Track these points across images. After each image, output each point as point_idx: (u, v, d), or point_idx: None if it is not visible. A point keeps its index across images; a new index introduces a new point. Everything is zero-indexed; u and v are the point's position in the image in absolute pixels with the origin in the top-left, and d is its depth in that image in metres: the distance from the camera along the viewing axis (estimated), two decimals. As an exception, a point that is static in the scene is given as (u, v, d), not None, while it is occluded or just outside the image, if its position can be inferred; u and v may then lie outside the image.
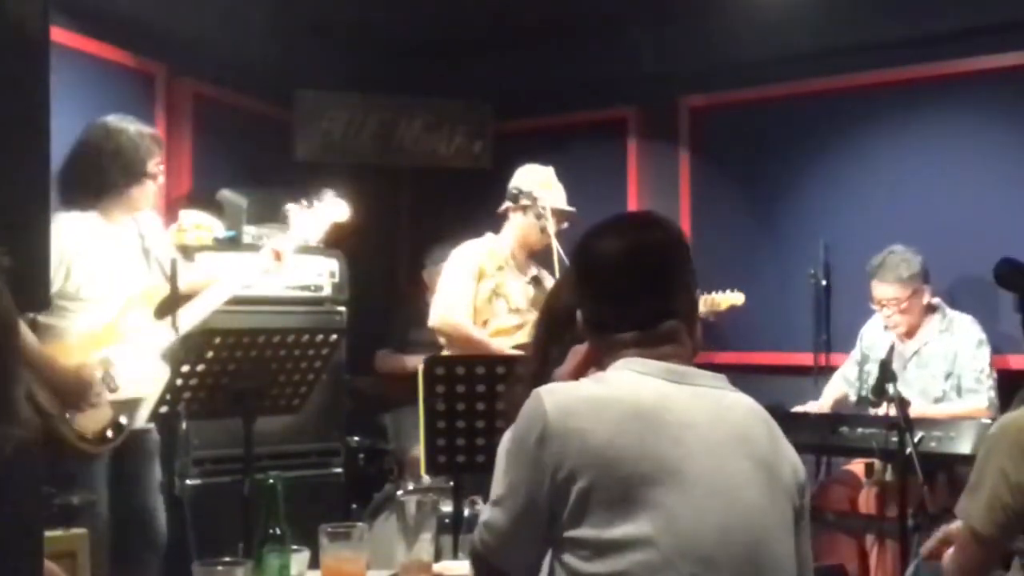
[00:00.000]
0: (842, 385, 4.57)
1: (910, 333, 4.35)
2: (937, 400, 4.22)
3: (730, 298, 4.93)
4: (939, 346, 4.28)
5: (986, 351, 4.25)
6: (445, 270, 4.47)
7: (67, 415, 3.31)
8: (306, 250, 4.48)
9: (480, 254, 4.39)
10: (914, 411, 3.97)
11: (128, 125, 3.62)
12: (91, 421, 3.37)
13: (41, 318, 3.36)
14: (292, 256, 3.85)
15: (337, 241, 4.72)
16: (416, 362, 4.83)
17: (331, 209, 3.89)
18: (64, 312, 3.42)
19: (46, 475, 1.63)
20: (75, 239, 3.47)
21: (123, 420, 3.43)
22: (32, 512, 1.43)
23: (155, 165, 3.64)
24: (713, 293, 4.92)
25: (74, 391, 3.29)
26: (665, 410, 1.67)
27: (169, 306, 3.23)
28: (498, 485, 1.71)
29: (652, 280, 1.79)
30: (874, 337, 4.46)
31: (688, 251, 1.84)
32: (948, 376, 4.24)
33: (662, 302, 1.78)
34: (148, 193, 3.65)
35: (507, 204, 4.45)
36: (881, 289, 4.29)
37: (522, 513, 1.65)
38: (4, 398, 1.42)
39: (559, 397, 1.67)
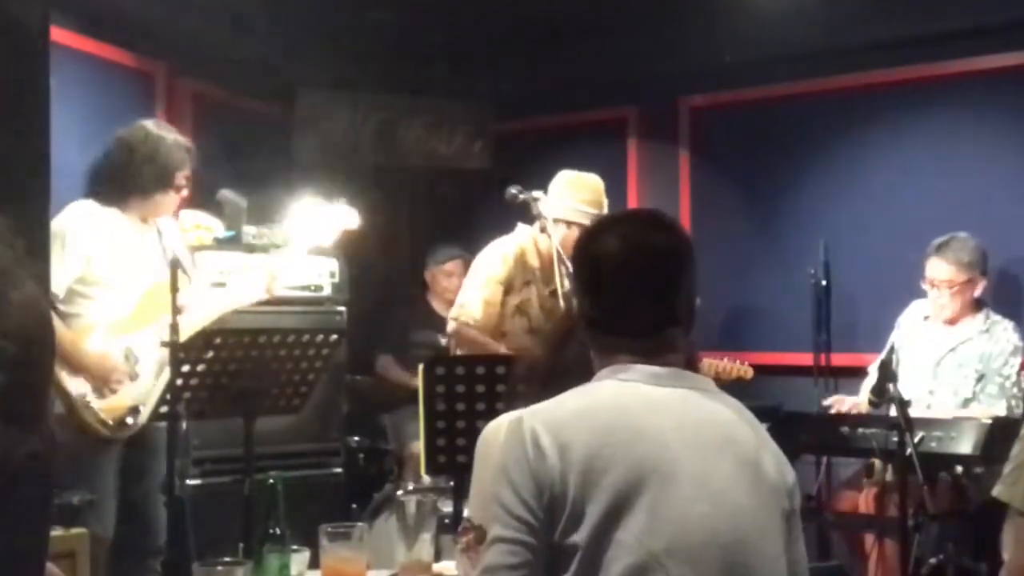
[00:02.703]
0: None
1: (953, 321, 4.29)
2: (967, 401, 4.16)
3: (739, 370, 4.86)
4: (977, 347, 4.23)
5: (1018, 360, 4.19)
6: (474, 270, 4.31)
7: (87, 401, 3.40)
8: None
9: (512, 264, 4.22)
10: (927, 413, 3.97)
11: (167, 133, 3.74)
12: (112, 407, 3.45)
13: (63, 307, 3.46)
14: (289, 274, 3.84)
15: (337, 241, 4.73)
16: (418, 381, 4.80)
17: (342, 216, 3.86)
18: (86, 300, 3.51)
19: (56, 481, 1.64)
20: (96, 227, 3.56)
21: (141, 408, 3.47)
22: (38, 520, 1.44)
23: (184, 177, 3.74)
24: (724, 359, 4.85)
25: (98, 375, 3.40)
26: (651, 414, 1.67)
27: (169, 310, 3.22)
28: (491, 523, 1.65)
29: (655, 287, 1.76)
30: (910, 325, 4.40)
31: (692, 255, 1.80)
32: (980, 378, 4.19)
33: (664, 310, 1.76)
34: (171, 202, 3.75)
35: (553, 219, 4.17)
36: (939, 268, 4.23)
37: (524, 542, 1.61)
38: (27, 408, 1.43)
39: (544, 416, 1.66)
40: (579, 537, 1.59)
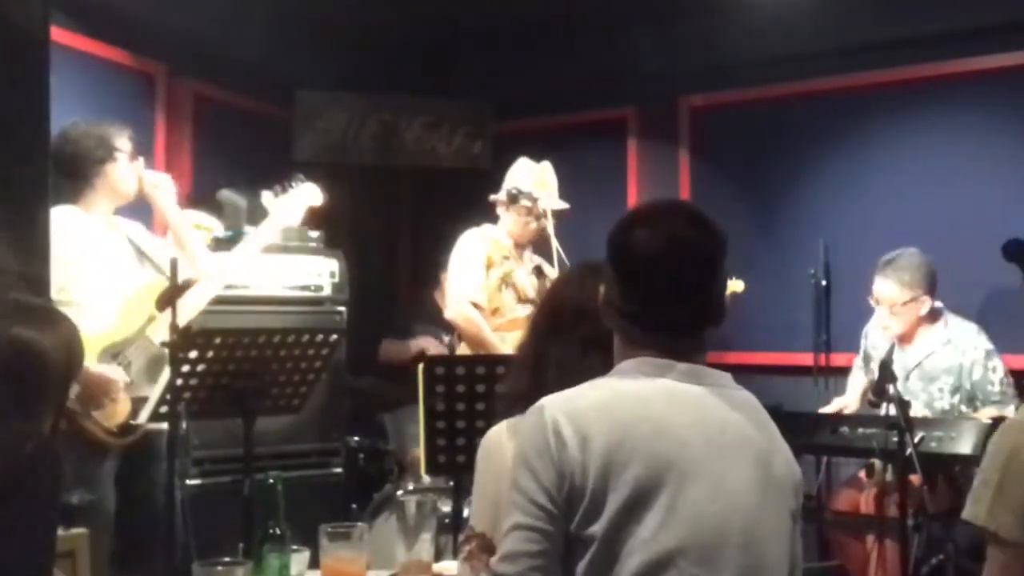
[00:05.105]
0: (861, 376, 4.52)
1: (905, 339, 4.25)
2: (945, 413, 4.11)
3: (730, 285, 4.84)
4: (944, 359, 4.17)
5: (998, 360, 4.15)
6: (453, 260, 4.42)
7: (89, 410, 3.37)
8: (306, 250, 4.49)
9: (486, 242, 4.38)
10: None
11: (81, 125, 3.64)
12: (113, 414, 3.43)
13: None
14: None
15: (337, 241, 4.73)
16: (418, 345, 4.87)
17: (305, 193, 3.90)
18: (68, 309, 3.35)
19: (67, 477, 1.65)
20: (69, 232, 3.48)
21: (140, 418, 3.46)
22: (47, 510, 1.46)
23: (124, 142, 3.67)
24: None
25: (99, 392, 3.36)
26: (672, 411, 1.67)
27: (168, 300, 3.22)
28: (510, 511, 1.65)
29: (690, 284, 1.74)
30: (877, 336, 4.40)
31: (725, 253, 1.76)
32: (956, 390, 4.14)
33: (697, 307, 1.75)
34: (124, 172, 3.66)
35: (502, 200, 4.44)
36: (882, 286, 4.21)
37: (544, 530, 1.61)
38: (48, 407, 1.46)
39: (565, 406, 1.66)
40: (596, 528, 1.59)
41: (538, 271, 4.49)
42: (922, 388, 4.19)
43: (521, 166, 4.48)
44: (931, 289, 4.20)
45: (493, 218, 4.51)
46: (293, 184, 3.87)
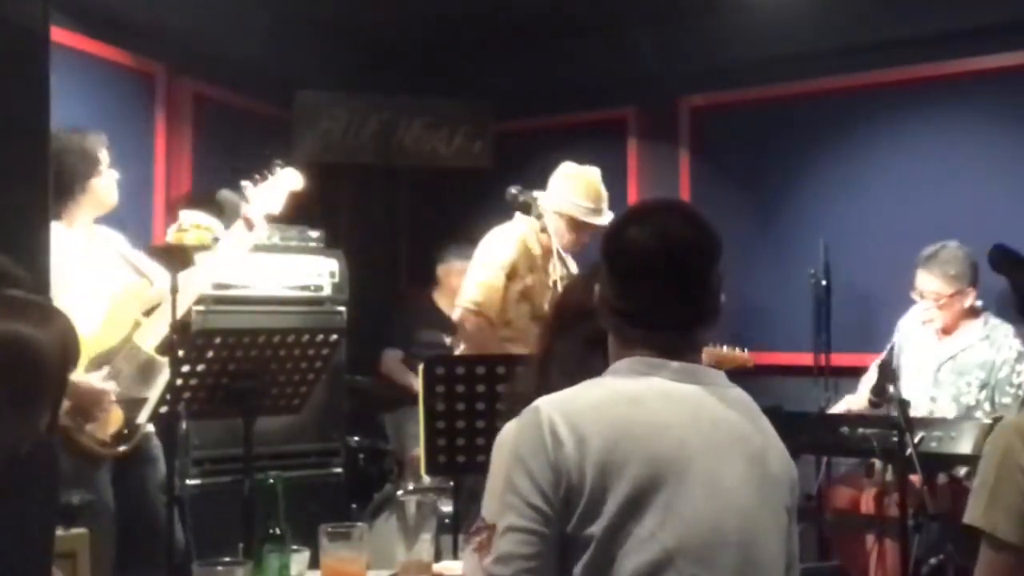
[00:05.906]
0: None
1: (946, 331, 4.23)
2: (970, 408, 4.10)
3: (739, 358, 4.76)
4: (978, 354, 4.15)
5: None
6: (476, 257, 4.27)
7: (80, 424, 3.33)
8: (306, 250, 4.50)
9: (516, 251, 4.19)
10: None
11: (62, 135, 3.57)
12: (106, 424, 3.39)
13: None
14: (263, 224, 3.83)
15: (337, 241, 4.74)
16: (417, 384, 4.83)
17: (285, 180, 3.87)
18: None
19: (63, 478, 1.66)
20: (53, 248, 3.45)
21: (139, 420, 3.44)
22: (46, 509, 1.46)
23: (105, 152, 3.64)
24: (723, 348, 4.76)
25: (89, 405, 3.32)
26: (667, 411, 1.67)
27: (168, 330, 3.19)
28: (504, 512, 1.64)
29: (686, 283, 1.74)
30: (910, 330, 4.36)
31: (721, 251, 1.76)
32: (984, 386, 4.12)
33: (692, 306, 1.75)
34: (108, 183, 3.64)
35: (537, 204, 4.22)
36: (925, 280, 4.18)
37: (539, 532, 1.61)
38: (47, 404, 1.46)
39: (561, 406, 1.66)
40: (595, 529, 1.59)
41: (557, 285, 4.21)
42: (952, 381, 4.17)
43: (561, 171, 4.26)
44: (975, 281, 4.18)
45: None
46: (272, 172, 3.86)
